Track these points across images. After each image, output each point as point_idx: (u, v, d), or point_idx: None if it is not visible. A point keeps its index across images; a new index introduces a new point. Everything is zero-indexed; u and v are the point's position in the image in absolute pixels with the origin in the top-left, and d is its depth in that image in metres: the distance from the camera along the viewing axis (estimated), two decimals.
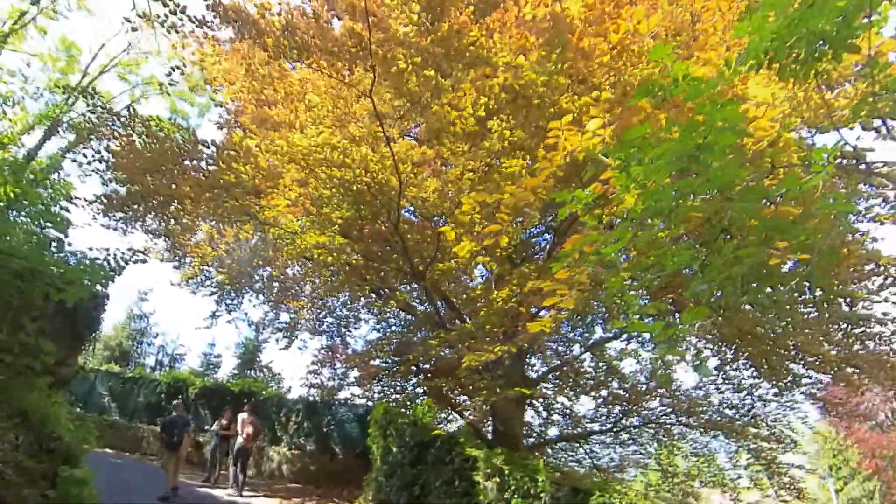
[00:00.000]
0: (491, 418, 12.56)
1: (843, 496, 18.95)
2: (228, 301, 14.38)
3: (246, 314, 14.64)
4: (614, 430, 15.09)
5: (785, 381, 11.35)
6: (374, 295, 13.19)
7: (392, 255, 11.74)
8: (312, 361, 16.07)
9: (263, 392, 15.41)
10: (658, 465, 15.00)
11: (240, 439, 10.42)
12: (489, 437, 12.46)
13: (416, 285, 12.86)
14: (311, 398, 15.07)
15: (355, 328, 15.32)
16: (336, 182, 9.92)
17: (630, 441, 15.49)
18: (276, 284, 14.71)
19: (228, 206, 10.72)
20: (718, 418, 13.86)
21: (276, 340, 16.19)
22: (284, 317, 16.00)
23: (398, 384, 15.58)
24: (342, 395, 15.88)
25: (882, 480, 16.63)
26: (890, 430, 14.29)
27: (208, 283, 13.12)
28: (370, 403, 14.75)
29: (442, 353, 13.18)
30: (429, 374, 13.47)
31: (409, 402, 12.63)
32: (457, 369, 14.17)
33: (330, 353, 16.31)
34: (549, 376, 14.82)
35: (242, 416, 10.81)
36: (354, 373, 14.88)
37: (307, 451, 13.80)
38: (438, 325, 11.44)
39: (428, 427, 8.12)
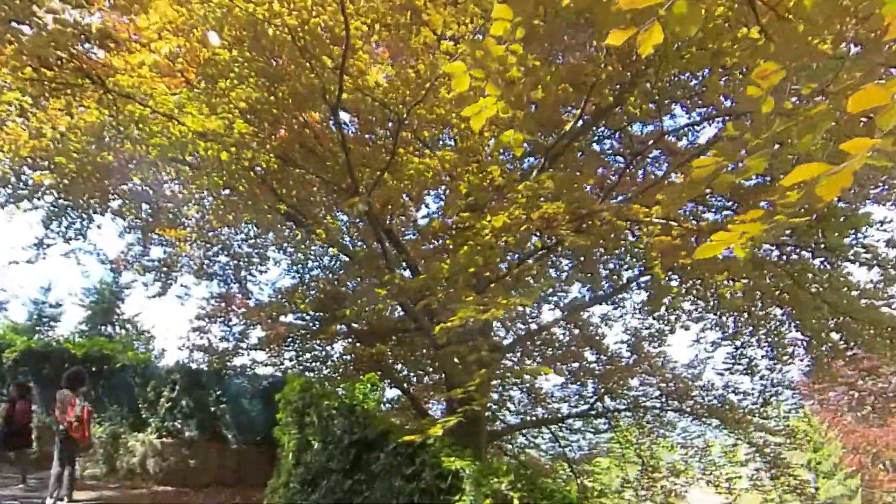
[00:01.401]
0: (446, 402, 10.49)
1: (822, 494, 19.56)
2: (66, 223, 10.89)
3: (95, 246, 11.03)
4: (590, 413, 13.72)
5: (822, 351, 10.15)
6: (290, 224, 10.38)
7: (323, 163, 8.95)
8: (198, 316, 13.21)
9: (121, 357, 12.27)
10: (638, 456, 13.91)
11: (62, 426, 7.58)
12: None
13: (353, 214, 10.17)
14: (193, 366, 12.24)
15: (261, 271, 12.57)
16: (238, 26, 6.90)
17: (605, 427, 14.27)
18: (144, 205, 11.35)
19: (53, 65, 7.32)
20: (718, 404, 12.81)
21: (145, 286, 13.02)
22: (157, 252, 12.78)
23: (319, 349, 13.12)
24: (239, 361, 13.23)
25: (864, 478, 17.06)
26: (876, 422, 14.15)
27: (26, 190, 9.58)
28: (279, 374, 12.17)
29: (385, 311, 10.85)
30: (361, 338, 11.12)
31: (337, 376, 10.18)
32: (400, 331, 12.01)
33: (223, 304, 13.48)
34: (516, 348, 13.01)
35: (63, 393, 7.89)
36: (258, 332, 13.01)
37: (186, 440, 11.08)
38: (384, 270, 8.94)
39: (373, 417, 5.82)
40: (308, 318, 12.70)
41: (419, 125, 8.65)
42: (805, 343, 11.15)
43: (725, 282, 10.27)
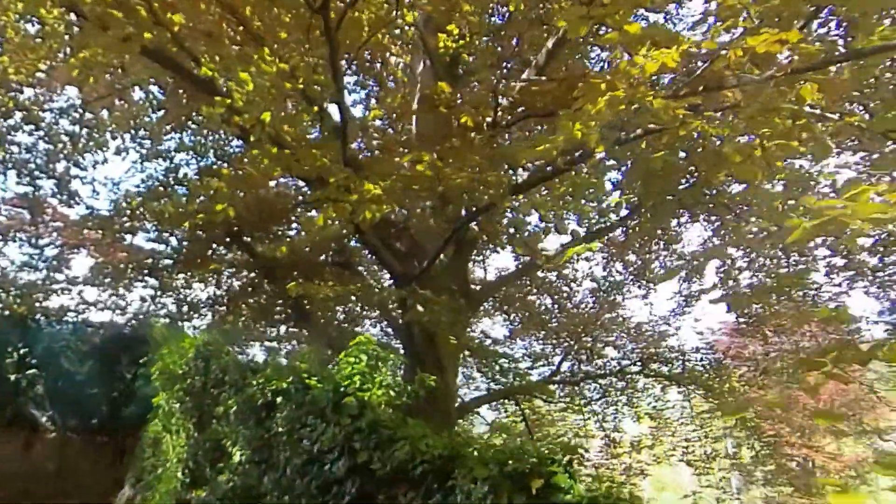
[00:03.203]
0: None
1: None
2: None
3: None
4: (553, 379, 12.57)
5: None
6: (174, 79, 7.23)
7: None
8: None
9: None
10: (601, 428, 13.13)
11: None
12: None
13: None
14: None
15: (95, 162, 9.17)
16: None
17: (565, 395, 13.25)
18: None
19: None
20: (699, 369, 12.28)
21: None
22: None
23: (189, 288, 10.14)
24: (57, 302, 9.86)
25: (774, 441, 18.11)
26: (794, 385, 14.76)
27: None
28: (132, 324, 9.11)
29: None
30: (270, 273, 8.49)
31: (243, 336, 7.54)
32: (334, 267, 9.47)
33: (28, 213, 9.85)
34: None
35: None
36: (88, 260, 9.94)
37: None
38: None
39: (392, 424, 3.60)
40: (177, 240, 9.59)
41: None
42: None
43: None
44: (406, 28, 8.07)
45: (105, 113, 10.28)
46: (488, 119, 5.99)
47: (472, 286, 9.86)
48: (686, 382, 12.38)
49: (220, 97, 5.15)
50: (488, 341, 12.37)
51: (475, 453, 3.14)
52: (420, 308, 7.77)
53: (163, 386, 5.85)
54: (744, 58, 3.57)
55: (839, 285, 11.16)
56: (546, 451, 3.03)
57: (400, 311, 8.20)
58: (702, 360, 12.82)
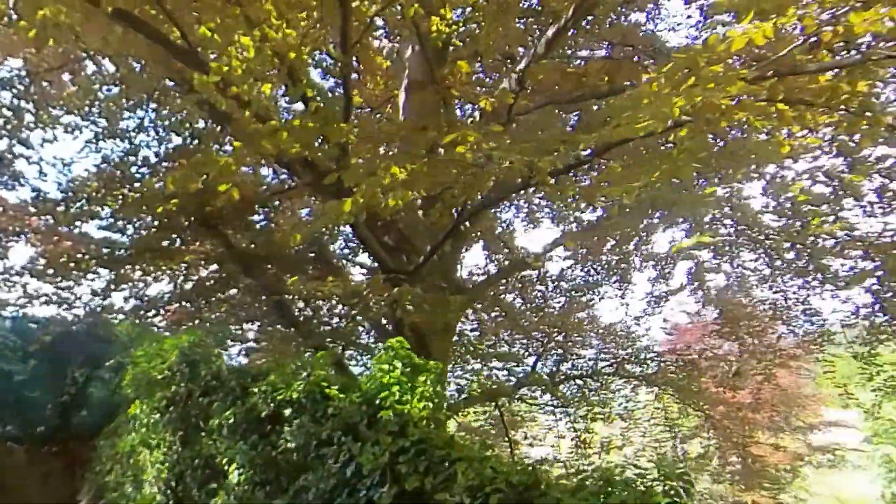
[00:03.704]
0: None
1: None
2: None
3: None
4: (524, 381, 12.26)
5: None
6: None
7: None
8: None
9: None
10: (573, 430, 12.92)
11: None
12: None
13: None
14: None
15: (45, 140, 8.19)
16: None
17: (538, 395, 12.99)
18: None
19: None
20: (673, 371, 12.24)
21: None
22: None
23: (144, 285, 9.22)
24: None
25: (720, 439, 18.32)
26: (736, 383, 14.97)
27: None
28: (86, 320, 8.16)
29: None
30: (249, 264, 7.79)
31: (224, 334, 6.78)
32: (301, 258, 8.71)
33: None
34: None
35: None
36: (28, 249, 8.78)
37: None
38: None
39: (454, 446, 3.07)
40: (134, 226, 8.65)
41: None
42: None
43: None
44: (406, 7, 7.48)
45: (57, 85, 9.24)
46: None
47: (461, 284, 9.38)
48: (659, 383, 12.33)
49: (215, 64, 4.46)
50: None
51: (557, 482, 2.67)
52: (409, 307, 7.28)
53: (138, 393, 5.09)
54: (836, 39, 3.26)
55: (806, 287, 11.37)
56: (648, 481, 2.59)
57: (389, 309, 7.61)
58: (676, 361, 12.80)
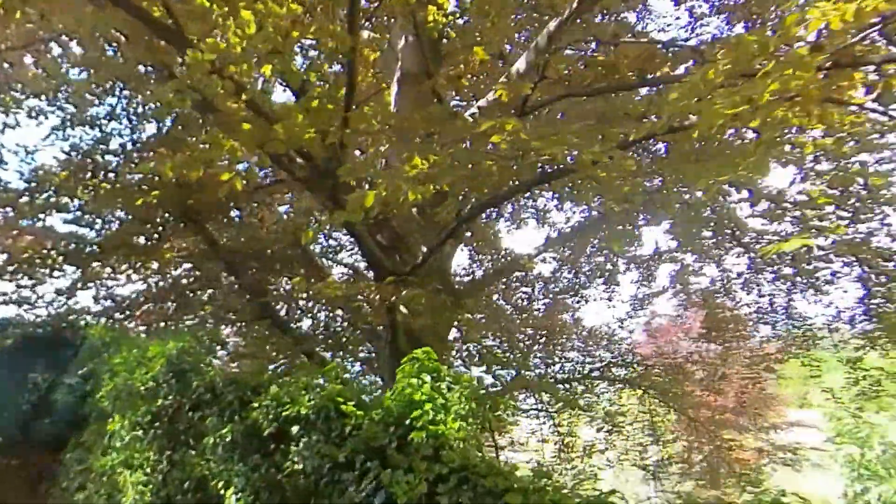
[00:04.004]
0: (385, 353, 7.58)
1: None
2: None
3: None
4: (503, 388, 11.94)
5: None
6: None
7: None
8: None
9: None
10: (557, 433, 12.69)
11: None
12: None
13: None
14: None
15: (5, 126, 7.56)
16: None
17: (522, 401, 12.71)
18: None
19: None
20: (658, 374, 12.10)
21: None
22: None
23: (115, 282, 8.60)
24: None
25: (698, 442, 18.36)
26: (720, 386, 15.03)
27: None
28: (48, 322, 7.52)
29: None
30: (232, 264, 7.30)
31: (213, 339, 6.21)
32: (289, 256, 8.14)
33: None
34: None
35: None
36: None
37: None
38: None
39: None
40: (102, 220, 8.00)
41: None
42: None
43: None
44: None
45: (18, 67, 8.50)
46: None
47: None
48: (644, 387, 12.17)
49: (212, 40, 3.97)
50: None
51: None
52: (404, 310, 6.87)
53: (118, 407, 4.54)
54: None
55: (789, 291, 11.38)
56: None
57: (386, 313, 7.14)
58: (662, 364, 12.67)
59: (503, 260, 10.19)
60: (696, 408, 12.65)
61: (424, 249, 7.84)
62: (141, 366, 4.54)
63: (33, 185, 7.29)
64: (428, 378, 3.22)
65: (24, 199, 7.18)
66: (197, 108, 7.13)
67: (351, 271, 10.07)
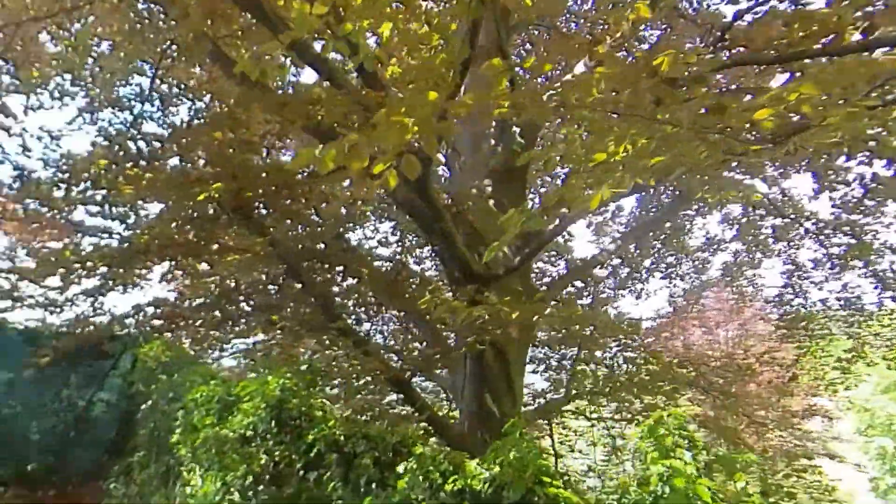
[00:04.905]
0: (463, 369, 6.63)
1: None
2: None
3: None
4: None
5: None
6: None
7: None
8: None
9: None
10: (610, 436, 11.83)
11: None
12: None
13: None
14: None
15: (28, 108, 6.51)
16: None
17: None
18: None
19: None
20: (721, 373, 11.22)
21: None
22: None
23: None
24: None
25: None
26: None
27: None
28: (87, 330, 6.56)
29: None
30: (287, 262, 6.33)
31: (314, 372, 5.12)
32: (359, 256, 7.08)
33: None
34: None
35: None
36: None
37: None
38: None
39: None
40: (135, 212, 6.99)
41: None
42: None
43: None
44: None
45: (35, 43, 7.44)
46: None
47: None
48: (703, 387, 11.30)
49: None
50: None
51: None
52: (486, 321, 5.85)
53: (198, 457, 3.55)
54: None
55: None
56: None
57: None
58: (727, 363, 11.80)
59: (572, 258, 9.21)
60: (764, 408, 11.78)
61: (506, 249, 6.90)
62: (229, 408, 3.56)
63: (67, 175, 6.24)
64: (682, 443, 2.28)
65: (59, 192, 6.14)
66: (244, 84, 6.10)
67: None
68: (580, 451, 12.71)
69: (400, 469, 2.76)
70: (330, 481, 2.93)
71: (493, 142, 7.31)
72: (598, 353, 10.82)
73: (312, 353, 6.43)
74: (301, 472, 3.09)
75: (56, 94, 7.77)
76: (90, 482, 6.06)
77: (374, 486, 2.81)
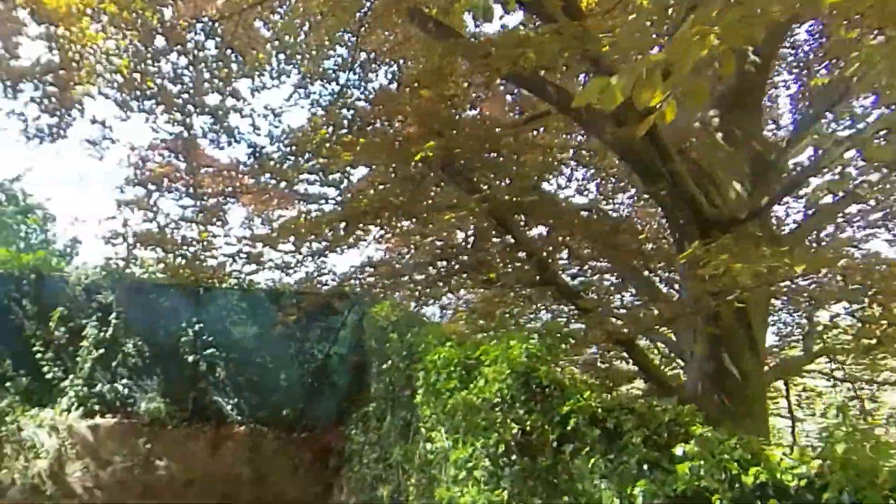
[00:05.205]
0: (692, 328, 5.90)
1: None
2: None
3: None
4: None
5: None
6: None
7: None
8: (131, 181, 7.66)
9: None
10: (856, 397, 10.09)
11: None
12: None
13: None
14: (138, 273, 6.97)
15: (253, 89, 6.91)
16: None
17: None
18: None
19: None
20: None
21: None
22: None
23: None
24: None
25: None
26: None
27: None
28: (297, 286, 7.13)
29: None
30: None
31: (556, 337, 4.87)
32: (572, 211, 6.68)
33: (181, 158, 8.01)
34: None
35: None
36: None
37: (140, 419, 6.14)
38: None
39: None
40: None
41: None
42: None
43: None
44: None
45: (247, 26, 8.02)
46: None
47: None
48: None
49: None
50: None
51: None
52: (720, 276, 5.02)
53: (443, 420, 3.56)
54: None
55: None
56: None
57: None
58: None
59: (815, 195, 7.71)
60: None
61: (739, 189, 5.95)
62: (469, 371, 3.49)
63: (291, 148, 6.70)
64: None
65: (288, 164, 6.61)
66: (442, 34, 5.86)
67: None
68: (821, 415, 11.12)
69: (678, 451, 2.38)
70: (590, 457, 2.66)
71: (717, 64, 6.23)
72: (846, 305, 9.18)
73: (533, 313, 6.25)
74: (555, 444, 2.87)
75: (274, 74, 8.43)
76: (334, 427, 6.68)
77: (646, 467, 2.47)
